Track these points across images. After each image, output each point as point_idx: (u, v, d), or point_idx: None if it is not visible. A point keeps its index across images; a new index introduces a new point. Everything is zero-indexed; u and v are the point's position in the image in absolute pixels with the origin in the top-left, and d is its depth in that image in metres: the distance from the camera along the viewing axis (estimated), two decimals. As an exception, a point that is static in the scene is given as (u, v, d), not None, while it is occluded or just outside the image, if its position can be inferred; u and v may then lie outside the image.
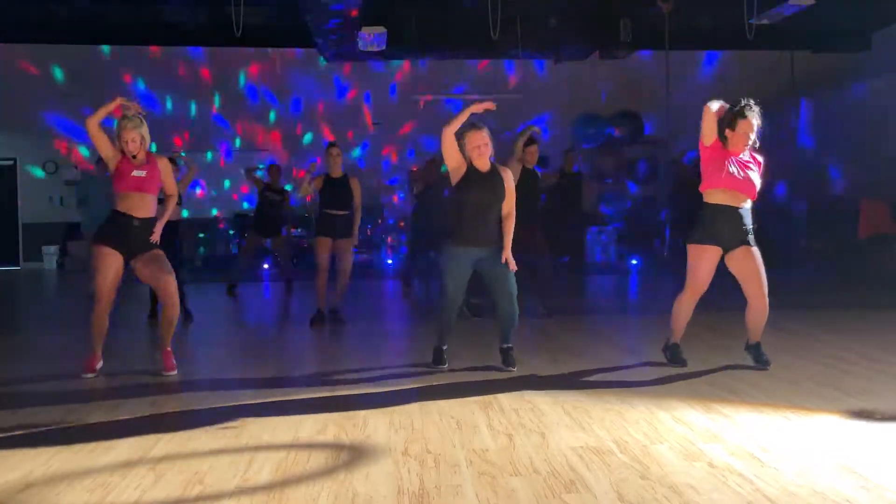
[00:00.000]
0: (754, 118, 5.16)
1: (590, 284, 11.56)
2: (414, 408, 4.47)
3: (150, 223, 5.39)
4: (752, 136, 5.18)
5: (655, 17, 11.41)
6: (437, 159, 11.20)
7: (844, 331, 6.74)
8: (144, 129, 5.37)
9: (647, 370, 5.38)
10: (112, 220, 5.34)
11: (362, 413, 4.37)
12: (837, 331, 6.72)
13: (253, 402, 4.69)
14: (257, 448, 3.79)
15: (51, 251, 14.51)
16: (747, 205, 5.22)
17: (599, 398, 4.61)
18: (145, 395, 4.89)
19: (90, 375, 5.39)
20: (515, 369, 5.38)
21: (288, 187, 11.38)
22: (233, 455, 3.68)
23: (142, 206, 5.34)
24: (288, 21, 12.12)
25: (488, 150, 5.23)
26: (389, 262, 13.76)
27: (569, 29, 12.57)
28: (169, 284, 5.40)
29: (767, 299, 5.26)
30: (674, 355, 5.53)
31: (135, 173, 5.29)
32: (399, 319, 8.48)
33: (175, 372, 5.46)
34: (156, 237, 5.39)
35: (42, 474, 3.46)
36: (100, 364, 5.52)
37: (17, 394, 5.01)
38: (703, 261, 5.25)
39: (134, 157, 5.30)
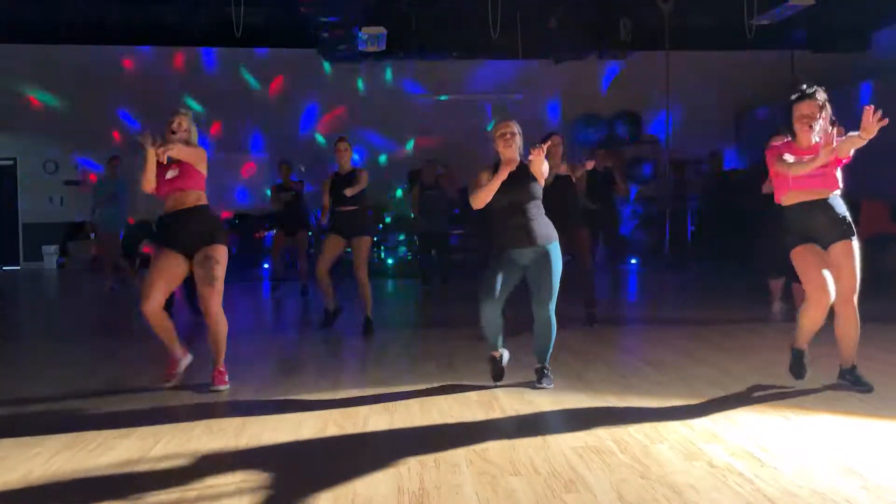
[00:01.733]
0: (813, 99, 4.49)
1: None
2: (414, 408, 4.47)
3: (195, 211, 4.98)
4: (818, 120, 4.47)
5: (655, 17, 11.42)
6: (438, 160, 11.24)
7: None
8: (192, 124, 5.12)
9: (648, 370, 5.38)
10: (160, 223, 5.13)
11: (362, 413, 4.37)
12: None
13: (253, 401, 4.69)
14: (257, 448, 3.79)
15: (51, 251, 14.52)
16: (834, 192, 4.58)
17: (599, 398, 4.61)
18: (145, 395, 4.89)
19: (169, 384, 5.07)
20: (552, 386, 4.91)
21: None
22: (233, 455, 3.68)
23: (183, 201, 4.97)
24: (288, 21, 12.13)
25: (515, 140, 4.88)
26: (389, 262, 13.77)
27: (569, 29, 12.58)
28: (207, 297, 4.92)
29: (856, 307, 4.63)
30: (793, 363, 4.84)
31: (168, 175, 4.95)
32: (400, 320, 8.48)
33: (223, 387, 5.02)
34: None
35: (42, 474, 3.45)
36: (181, 366, 5.19)
37: (17, 394, 5.01)
38: (806, 264, 4.54)
39: (173, 132, 4.96)
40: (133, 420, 4.30)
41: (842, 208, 4.59)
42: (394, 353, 6.21)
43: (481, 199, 4.83)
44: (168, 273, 4.95)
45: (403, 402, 4.61)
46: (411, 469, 3.44)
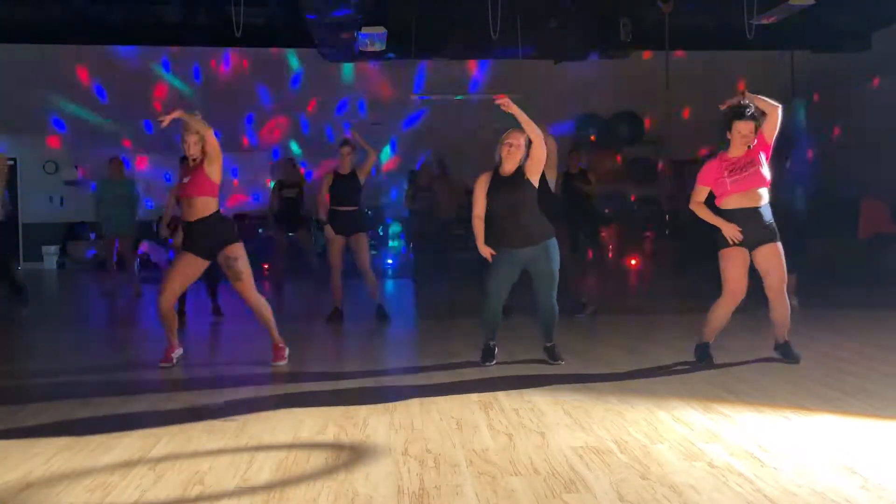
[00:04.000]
0: (754, 120, 5.23)
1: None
2: (414, 408, 4.47)
3: (203, 223, 5.40)
4: (753, 140, 5.24)
5: (655, 17, 11.41)
6: (436, 161, 11.23)
7: (844, 331, 6.74)
8: (204, 126, 5.37)
9: (648, 370, 5.38)
10: (184, 227, 5.66)
11: (362, 413, 4.37)
12: (837, 331, 6.73)
13: (253, 401, 4.69)
14: (257, 448, 3.79)
15: (51, 251, 14.51)
16: (764, 201, 5.27)
17: (599, 398, 4.61)
18: (145, 394, 4.89)
19: (167, 365, 5.59)
20: (563, 362, 5.55)
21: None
22: (233, 455, 3.68)
23: (190, 211, 5.41)
24: (288, 21, 12.14)
25: (519, 153, 5.30)
26: (389, 261, 13.76)
27: (569, 29, 12.57)
28: (241, 291, 5.54)
29: (787, 297, 5.39)
30: (700, 354, 5.56)
31: (184, 180, 5.42)
32: (400, 319, 8.47)
33: (283, 362, 5.65)
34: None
35: (42, 474, 3.46)
36: (176, 354, 5.69)
37: (18, 392, 5.01)
38: (731, 264, 5.28)
39: (194, 160, 5.37)
40: (133, 420, 4.31)
41: (769, 216, 5.30)
42: (393, 352, 6.22)
43: (476, 214, 5.41)
44: (184, 273, 5.49)
45: (403, 401, 4.61)
46: (411, 469, 3.45)
